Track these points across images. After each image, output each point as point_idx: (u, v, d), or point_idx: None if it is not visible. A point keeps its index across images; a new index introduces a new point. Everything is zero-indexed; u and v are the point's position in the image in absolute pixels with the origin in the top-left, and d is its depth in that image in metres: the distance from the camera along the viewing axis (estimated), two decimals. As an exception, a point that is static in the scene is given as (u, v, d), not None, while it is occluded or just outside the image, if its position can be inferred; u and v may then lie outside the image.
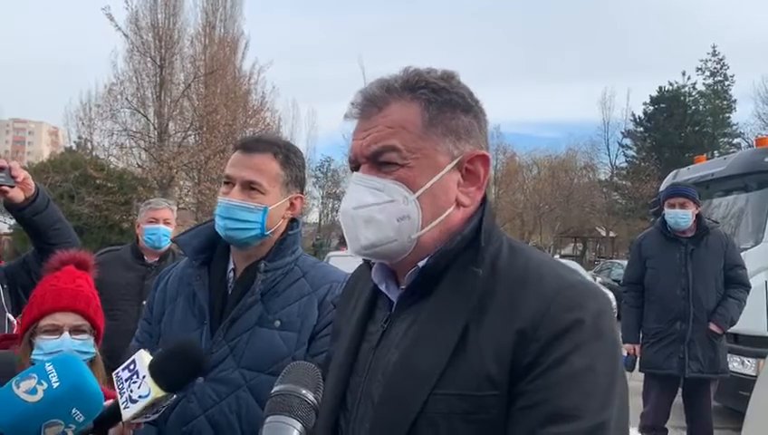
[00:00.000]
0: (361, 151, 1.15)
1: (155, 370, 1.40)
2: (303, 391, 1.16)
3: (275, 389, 1.18)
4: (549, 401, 0.97)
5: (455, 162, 1.13)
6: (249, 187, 1.88)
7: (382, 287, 1.21)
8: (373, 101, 1.15)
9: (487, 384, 1.01)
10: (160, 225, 3.98)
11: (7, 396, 1.15)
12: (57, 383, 1.17)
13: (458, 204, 1.15)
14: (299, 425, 1.12)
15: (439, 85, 1.14)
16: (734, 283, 4.89)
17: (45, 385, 1.16)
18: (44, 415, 1.15)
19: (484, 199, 1.20)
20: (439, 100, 1.13)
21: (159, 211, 4.03)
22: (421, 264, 1.13)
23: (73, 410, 1.17)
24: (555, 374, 0.98)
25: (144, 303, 3.61)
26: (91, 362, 2.02)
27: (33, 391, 1.15)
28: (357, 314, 1.26)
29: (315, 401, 1.17)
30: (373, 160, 1.14)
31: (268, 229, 1.90)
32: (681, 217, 4.85)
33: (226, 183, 1.91)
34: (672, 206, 4.89)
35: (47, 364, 1.20)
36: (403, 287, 1.17)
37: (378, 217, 1.12)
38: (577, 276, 1.08)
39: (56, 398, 1.16)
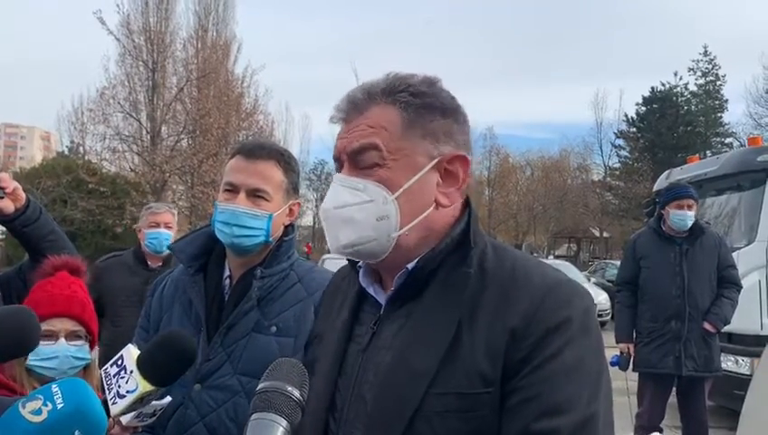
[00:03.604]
0: (344, 148, 1.19)
1: (143, 364, 1.40)
2: (289, 388, 1.17)
3: (261, 386, 1.19)
4: (541, 395, 1.00)
5: (433, 163, 1.17)
6: (255, 194, 1.87)
7: (370, 290, 1.23)
8: (356, 106, 1.19)
9: (480, 382, 1.04)
10: (161, 229, 3.97)
11: (13, 416, 1.17)
12: (62, 405, 1.18)
13: (437, 204, 1.18)
14: (284, 422, 1.13)
15: (418, 89, 1.18)
16: (727, 282, 4.92)
17: (50, 406, 1.17)
18: None
19: (468, 202, 1.24)
20: (417, 102, 1.17)
21: (160, 215, 4.02)
22: (410, 266, 1.16)
23: (76, 433, 1.17)
24: (547, 370, 1.01)
25: None
26: (86, 369, 2.02)
27: (37, 412, 1.16)
28: (342, 316, 1.28)
29: (301, 398, 1.18)
30: (354, 159, 1.17)
31: (271, 236, 1.91)
32: (690, 218, 4.88)
33: (228, 190, 1.89)
34: (681, 207, 4.88)
35: (53, 386, 1.22)
36: (392, 289, 1.19)
37: (357, 217, 1.15)
38: (562, 275, 1.13)
39: (59, 420, 1.17)
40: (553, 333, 1.03)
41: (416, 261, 1.16)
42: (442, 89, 1.21)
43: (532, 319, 1.04)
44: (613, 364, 5.03)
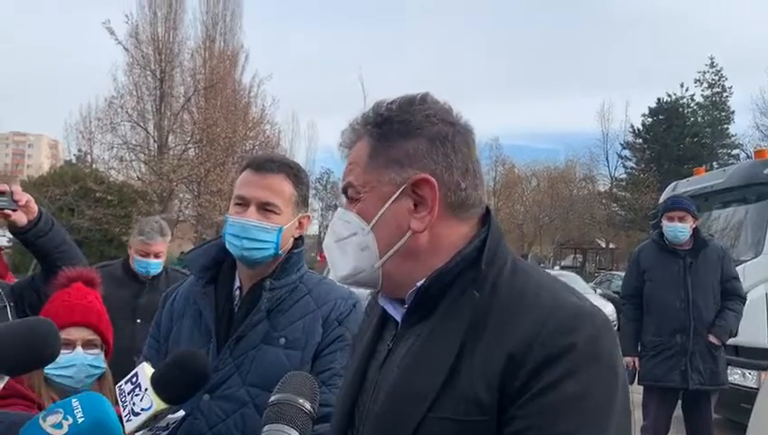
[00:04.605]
0: (342, 185, 1.25)
1: (157, 382, 1.42)
2: (301, 401, 1.20)
3: (273, 398, 1.21)
4: (540, 427, 0.96)
5: (400, 190, 1.15)
6: (265, 207, 1.90)
7: (388, 308, 1.24)
8: (347, 143, 1.24)
9: (476, 409, 1.00)
10: (151, 259, 3.88)
11: (35, 430, 1.19)
12: (82, 419, 1.21)
13: (412, 230, 1.15)
14: (296, 433, 1.15)
15: (383, 117, 1.18)
16: (731, 294, 4.92)
17: (70, 420, 1.20)
18: None
19: (488, 217, 1.20)
20: (379, 132, 1.17)
21: (151, 246, 3.88)
22: (419, 284, 1.15)
23: None
24: (546, 400, 0.96)
25: (138, 320, 3.62)
26: (101, 378, 2.05)
27: (58, 426, 1.19)
28: (369, 333, 1.30)
29: (312, 411, 1.20)
30: (346, 195, 1.22)
31: (281, 249, 1.93)
32: (680, 230, 4.88)
33: (239, 203, 1.92)
34: (671, 219, 4.91)
35: (74, 400, 1.25)
36: (405, 307, 1.19)
37: (347, 249, 1.19)
38: (574, 298, 1.07)
39: (79, 433, 1.20)
40: (554, 361, 0.97)
41: (423, 280, 1.14)
42: (420, 109, 1.17)
43: (533, 344, 0.98)
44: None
